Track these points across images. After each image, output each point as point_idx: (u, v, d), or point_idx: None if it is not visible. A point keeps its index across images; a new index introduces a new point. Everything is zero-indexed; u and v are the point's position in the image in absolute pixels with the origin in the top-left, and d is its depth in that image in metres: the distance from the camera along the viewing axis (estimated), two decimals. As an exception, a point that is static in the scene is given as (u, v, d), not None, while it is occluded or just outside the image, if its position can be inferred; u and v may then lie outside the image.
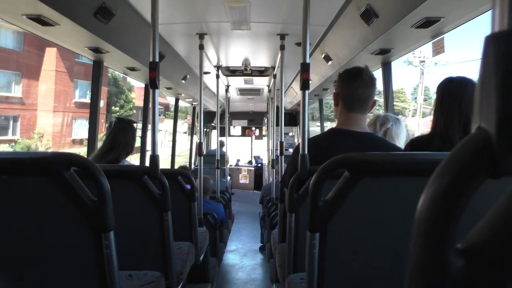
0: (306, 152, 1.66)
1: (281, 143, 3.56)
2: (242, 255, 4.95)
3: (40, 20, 2.07)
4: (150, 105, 1.94)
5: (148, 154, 2.05)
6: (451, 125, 1.55)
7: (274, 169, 4.62)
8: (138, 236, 1.79)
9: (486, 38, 0.33)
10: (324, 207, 1.01)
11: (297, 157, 1.67)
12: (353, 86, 1.62)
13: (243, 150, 11.75)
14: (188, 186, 2.35)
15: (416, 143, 1.74)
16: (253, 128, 9.85)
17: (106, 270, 1.03)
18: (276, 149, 4.47)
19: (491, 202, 0.33)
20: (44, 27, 2.19)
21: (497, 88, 0.31)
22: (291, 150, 8.85)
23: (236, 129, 9.85)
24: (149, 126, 2.33)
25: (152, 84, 1.85)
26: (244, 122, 9.46)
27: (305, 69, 1.77)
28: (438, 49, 2.32)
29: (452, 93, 1.59)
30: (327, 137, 1.68)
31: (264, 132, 9.50)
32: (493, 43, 0.32)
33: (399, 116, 2.34)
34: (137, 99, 26.93)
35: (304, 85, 1.77)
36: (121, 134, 2.37)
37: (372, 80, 1.61)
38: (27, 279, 1.07)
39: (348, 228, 1.04)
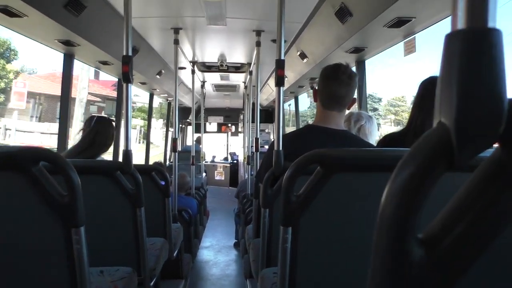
0: (280, 148, 1.68)
1: (257, 139, 3.57)
2: (217, 251, 4.95)
3: (6, 11, 2.00)
4: (124, 99, 1.91)
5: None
6: (428, 122, 1.56)
7: (250, 166, 4.63)
8: (111, 232, 1.77)
9: (446, 36, 0.35)
10: (297, 202, 1.02)
11: (272, 153, 1.68)
12: (330, 84, 1.63)
13: (219, 147, 11.71)
14: (163, 182, 2.33)
15: (389, 139, 1.77)
16: (229, 125, 9.82)
17: (76, 266, 1.02)
18: (252, 146, 4.48)
19: (451, 194, 0.35)
20: (11, 19, 2.11)
21: (456, 84, 0.33)
22: (266, 146, 8.88)
23: (212, 126, 9.80)
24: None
25: (125, 78, 1.82)
26: (220, 119, 9.42)
27: (280, 65, 1.78)
28: (410, 49, 2.37)
29: (433, 91, 1.61)
30: (302, 133, 1.70)
31: (240, 129, 9.48)
32: (453, 41, 0.34)
33: (371, 114, 2.39)
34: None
35: (279, 82, 1.78)
36: (102, 133, 2.31)
37: (351, 78, 1.61)
38: None
39: (320, 223, 1.05)
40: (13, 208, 1.02)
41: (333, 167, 1.01)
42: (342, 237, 1.05)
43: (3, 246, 1.03)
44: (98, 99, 22.53)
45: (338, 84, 1.61)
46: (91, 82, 18.98)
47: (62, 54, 2.97)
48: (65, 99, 2.98)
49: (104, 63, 3.36)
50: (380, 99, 31.44)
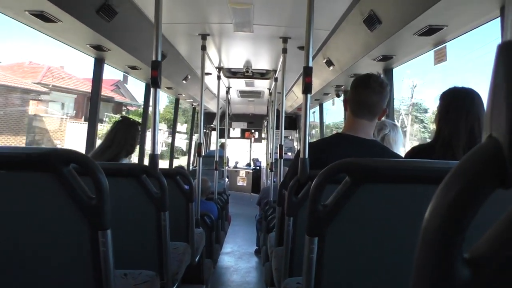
0: (306, 156, 1.66)
1: (281, 146, 3.56)
2: (237, 257, 4.93)
3: (42, 16, 2.07)
4: (151, 104, 1.94)
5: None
6: (456, 134, 1.54)
7: (273, 172, 4.61)
8: (134, 235, 1.78)
9: (498, 46, 0.33)
10: (324, 212, 1.00)
11: (296, 162, 1.67)
12: (360, 92, 1.61)
13: (242, 153, 11.74)
14: (186, 186, 2.34)
15: (417, 150, 1.74)
16: (253, 131, 9.84)
17: (102, 268, 1.02)
18: (276, 152, 4.46)
19: (500, 212, 0.33)
20: (46, 24, 2.18)
21: (508, 96, 0.31)
22: (290, 154, 8.84)
23: (235, 131, 9.85)
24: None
25: (153, 83, 1.85)
26: (244, 124, 9.45)
27: (307, 73, 1.77)
28: (440, 57, 2.32)
29: (459, 102, 1.58)
30: (330, 141, 1.68)
31: (263, 135, 9.49)
32: (505, 51, 0.32)
33: (396, 122, 2.33)
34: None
35: (306, 89, 1.77)
36: (122, 132, 2.36)
37: (382, 86, 1.59)
38: (22, 275, 1.06)
39: (347, 234, 1.03)
40: (42, 208, 1.04)
41: (362, 177, 0.99)
42: (370, 249, 1.02)
43: (31, 245, 1.05)
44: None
45: (369, 92, 1.58)
46: (87, 80, 18.03)
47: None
48: (95, 102, 3.05)
49: (133, 67, 3.43)
50: (426, 110, 27.86)
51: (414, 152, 1.73)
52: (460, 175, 0.33)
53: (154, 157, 1.82)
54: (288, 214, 1.62)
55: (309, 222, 1.01)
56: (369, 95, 1.59)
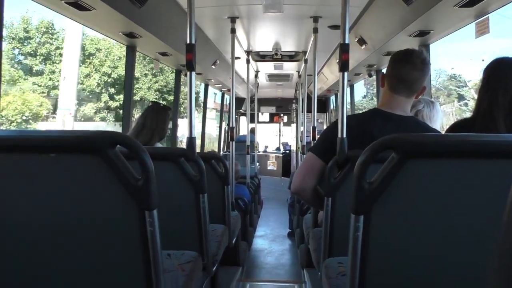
0: (344, 135, 1.63)
1: (314, 128, 3.52)
2: (271, 240, 4.97)
3: (77, 4, 2.10)
4: (187, 89, 1.95)
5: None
6: (496, 104, 1.49)
7: (305, 155, 4.58)
8: (175, 217, 1.82)
9: None
10: (369, 189, 0.98)
11: (331, 131, 1.66)
12: (400, 66, 1.56)
13: (271, 137, 11.72)
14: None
15: (459, 125, 1.67)
16: (281, 115, 9.79)
17: (149, 248, 1.05)
18: (307, 136, 4.42)
19: None
20: (81, 12, 2.22)
21: None
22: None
23: (264, 116, 9.82)
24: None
25: (189, 66, 1.85)
26: (272, 109, 9.41)
27: (344, 49, 1.72)
28: (483, 30, 2.20)
29: (498, 72, 1.53)
30: (368, 117, 1.64)
31: (292, 119, 9.42)
32: None
33: (433, 99, 2.25)
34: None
35: (344, 66, 1.73)
36: (152, 116, 2.40)
37: (424, 63, 1.53)
38: (71, 257, 1.10)
39: (394, 213, 1.00)
40: (91, 190, 1.06)
41: (409, 153, 0.96)
42: (419, 229, 1.00)
43: (80, 227, 1.09)
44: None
45: (410, 68, 1.53)
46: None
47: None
48: (129, 89, 3.10)
49: (164, 54, 3.46)
50: (465, 83, 23.49)
51: (455, 127, 1.67)
52: None
53: (191, 141, 1.84)
54: (327, 195, 1.60)
55: (355, 200, 0.99)
56: (410, 70, 1.53)
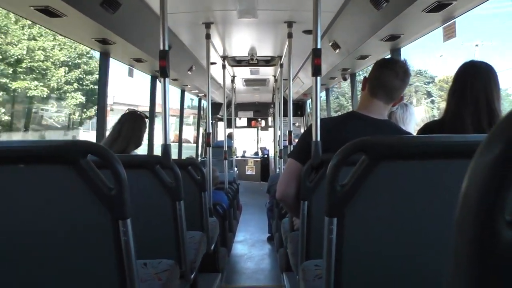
0: (318, 139, 1.65)
1: (290, 132, 3.54)
2: (250, 245, 4.97)
3: (47, 11, 2.06)
4: (161, 95, 1.93)
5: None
6: (462, 103, 1.55)
7: (282, 159, 4.60)
8: (151, 225, 1.80)
9: None
10: (342, 192, 1.00)
11: (308, 134, 1.69)
12: (383, 73, 1.61)
13: (249, 142, 11.72)
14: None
15: (429, 127, 1.72)
16: (259, 119, 9.81)
17: (124, 257, 1.03)
18: (284, 140, 4.45)
19: None
20: (51, 19, 2.17)
21: None
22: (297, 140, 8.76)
23: (241, 121, 9.82)
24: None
25: (162, 73, 1.84)
26: (250, 113, 9.42)
27: (316, 54, 1.75)
28: (450, 34, 2.27)
29: (464, 74, 1.60)
30: (344, 120, 1.67)
31: (270, 123, 9.46)
32: None
33: (407, 102, 2.30)
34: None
35: (316, 71, 1.75)
36: (128, 124, 2.37)
37: (406, 74, 1.59)
38: (45, 267, 1.07)
39: (366, 214, 1.02)
40: (63, 201, 1.04)
41: (379, 155, 0.98)
42: (392, 227, 1.02)
43: (52, 238, 1.06)
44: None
45: (393, 76, 1.58)
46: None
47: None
48: (102, 97, 3.05)
49: (138, 60, 3.42)
50: (433, 78, 22.77)
51: (426, 128, 1.73)
52: (499, 136, 0.32)
53: (166, 148, 1.82)
54: (303, 198, 1.62)
55: (328, 203, 1.00)
56: (392, 78, 1.58)
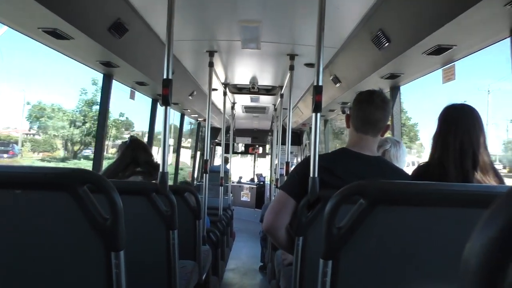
0: (316, 175, 1.64)
1: (287, 163, 3.54)
2: (242, 274, 4.88)
3: (55, 33, 2.09)
4: (162, 122, 1.94)
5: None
6: (446, 150, 1.55)
7: (278, 189, 4.58)
8: (143, 253, 1.77)
9: None
10: (338, 235, 0.99)
11: (302, 169, 1.65)
12: (364, 107, 1.61)
13: (245, 168, 11.70)
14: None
15: (422, 169, 1.71)
16: (257, 146, 9.83)
17: None
18: (281, 168, 4.44)
19: None
20: (58, 41, 2.20)
21: None
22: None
23: (239, 146, 9.83)
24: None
25: (164, 101, 1.86)
26: (248, 140, 9.44)
27: (318, 91, 1.77)
28: (449, 76, 2.32)
29: (448, 118, 1.59)
30: (337, 157, 1.66)
31: (267, 150, 9.47)
32: None
33: (399, 139, 2.32)
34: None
35: (317, 108, 1.77)
36: (140, 151, 2.28)
37: (384, 102, 1.59)
38: None
39: (362, 257, 1.01)
40: (57, 228, 1.03)
41: (377, 199, 0.98)
42: (386, 274, 1.01)
43: (44, 265, 1.04)
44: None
45: (373, 108, 1.58)
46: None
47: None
48: (103, 119, 3.06)
49: (141, 83, 3.45)
50: (416, 134, 21.42)
51: (420, 171, 1.72)
52: (506, 205, 0.32)
53: (163, 175, 1.82)
54: (298, 234, 1.60)
55: (325, 245, 1.00)
56: (373, 110, 1.59)
